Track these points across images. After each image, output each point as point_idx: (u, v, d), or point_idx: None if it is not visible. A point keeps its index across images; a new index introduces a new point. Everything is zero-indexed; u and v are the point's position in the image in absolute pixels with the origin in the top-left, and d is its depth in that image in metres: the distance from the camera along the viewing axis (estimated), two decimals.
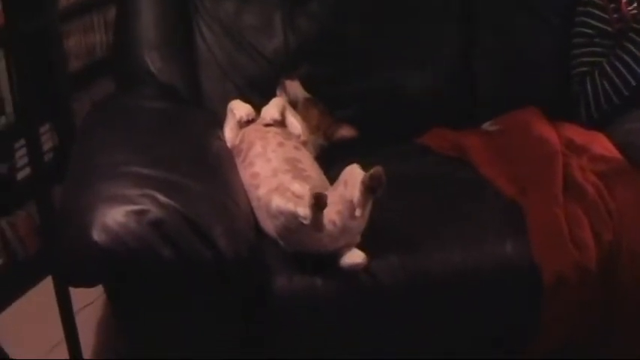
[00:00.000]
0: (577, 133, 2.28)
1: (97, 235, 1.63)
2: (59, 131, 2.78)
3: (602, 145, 2.22)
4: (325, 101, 2.29)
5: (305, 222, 1.74)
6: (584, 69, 2.42)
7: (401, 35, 2.43)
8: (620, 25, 2.38)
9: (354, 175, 1.83)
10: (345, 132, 2.27)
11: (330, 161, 2.16)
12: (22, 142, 2.64)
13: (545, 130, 2.26)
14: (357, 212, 1.78)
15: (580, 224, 1.96)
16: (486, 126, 2.40)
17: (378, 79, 2.41)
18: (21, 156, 2.67)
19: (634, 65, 2.33)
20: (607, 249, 1.93)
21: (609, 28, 2.40)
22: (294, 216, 1.75)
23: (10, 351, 2.37)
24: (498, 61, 2.49)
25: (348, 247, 1.84)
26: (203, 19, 2.35)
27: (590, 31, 2.43)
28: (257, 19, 2.36)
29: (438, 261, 1.92)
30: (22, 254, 2.71)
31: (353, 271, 1.83)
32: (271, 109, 2.13)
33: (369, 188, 1.74)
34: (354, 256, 1.82)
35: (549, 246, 1.92)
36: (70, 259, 1.69)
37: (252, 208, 1.95)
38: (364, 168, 1.84)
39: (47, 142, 2.75)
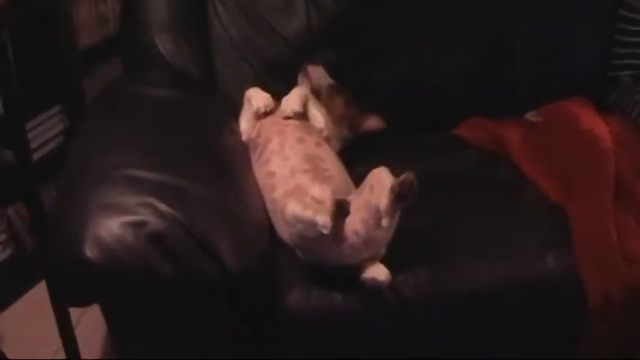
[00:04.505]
0: (628, 129, 2.04)
1: (89, 251, 1.46)
2: (70, 113, 2.61)
3: None
4: (350, 89, 2.08)
5: (324, 231, 1.55)
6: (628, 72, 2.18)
7: (431, 17, 2.21)
8: None
9: (381, 179, 1.63)
10: (373, 123, 2.08)
11: (356, 155, 1.97)
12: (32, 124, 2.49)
13: (595, 124, 2.03)
14: (384, 222, 1.58)
15: (632, 237, 1.75)
16: (529, 116, 2.18)
17: (407, 64, 2.20)
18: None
19: None
20: None
21: None
22: (313, 224, 1.57)
23: (14, 347, 2.25)
24: (541, 45, 2.25)
25: (371, 260, 1.66)
26: None
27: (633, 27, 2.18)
28: None
29: (469, 275, 1.73)
30: (30, 245, 2.57)
31: (375, 288, 1.64)
32: (292, 100, 1.94)
33: (399, 196, 1.55)
34: (377, 273, 1.63)
35: (597, 262, 1.72)
36: (61, 277, 1.52)
37: (266, 211, 1.76)
38: (392, 165, 1.66)
39: (57, 125, 2.58)
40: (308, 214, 1.58)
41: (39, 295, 2.43)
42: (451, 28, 2.22)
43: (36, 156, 2.53)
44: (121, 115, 1.84)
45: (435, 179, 1.91)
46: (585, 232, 1.76)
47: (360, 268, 1.65)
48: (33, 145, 2.52)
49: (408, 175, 1.54)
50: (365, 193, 1.65)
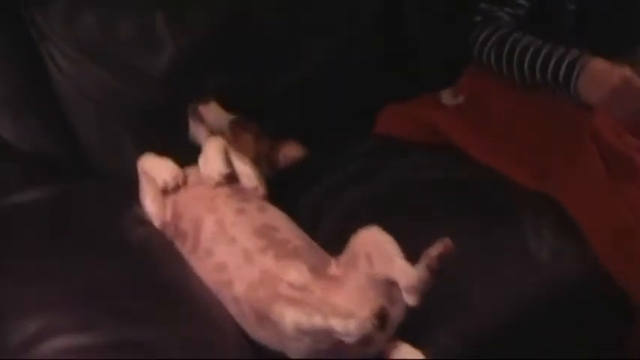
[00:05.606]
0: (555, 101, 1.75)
1: None
2: None
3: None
4: (252, 116, 1.68)
5: (350, 340, 1.19)
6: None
7: (318, 15, 1.84)
8: None
9: (379, 244, 1.30)
10: (293, 152, 1.67)
11: (286, 195, 1.60)
12: None
13: (533, 96, 1.74)
14: (411, 300, 1.24)
15: None
16: (447, 100, 1.85)
17: (305, 67, 1.81)
18: None
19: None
20: None
21: None
22: (329, 333, 1.20)
23: None
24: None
25: (390, 341, 1.32)
26: (56, 46, 1.62)
27: None
28: (132, 28, 1.65)
29: (492, 309, 1.47)
30: None
31: None
32: (213, 160, 1.49)
33: (437, 273, 1.21)
34: (408, 354, 1.30)
35: (624, 255, 1.48)
36: None
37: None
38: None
39: None
40: (317, 321, 1.21)
41: None
42: (343, 16, 1.86)
43: None
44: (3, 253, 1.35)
45: (397, 203, 1.60)
46: (593, 218, 1.52)
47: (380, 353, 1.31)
48: None
49: (446, 244, 1.20)
50: (361, 266, 1.30)
